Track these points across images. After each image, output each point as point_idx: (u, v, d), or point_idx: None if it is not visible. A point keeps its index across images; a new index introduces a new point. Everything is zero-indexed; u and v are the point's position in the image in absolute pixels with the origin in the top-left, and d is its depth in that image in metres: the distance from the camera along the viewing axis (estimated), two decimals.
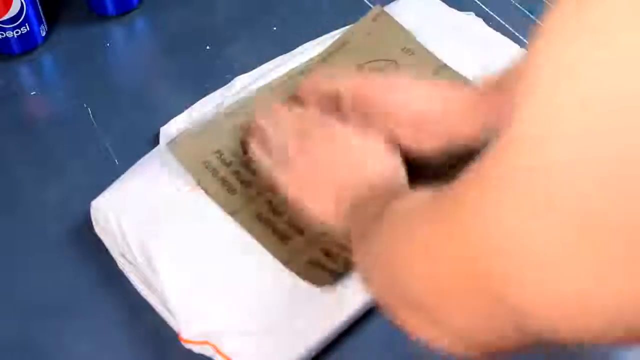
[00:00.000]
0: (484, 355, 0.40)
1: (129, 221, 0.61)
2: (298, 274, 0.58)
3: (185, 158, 0.63)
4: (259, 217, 0.61)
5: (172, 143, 0.64)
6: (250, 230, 0.60)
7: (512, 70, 0.60)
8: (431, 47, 0.72)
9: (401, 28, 0.72)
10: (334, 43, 0.72)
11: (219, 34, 0.77)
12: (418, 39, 0.72)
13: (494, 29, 0.75)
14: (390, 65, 0.70)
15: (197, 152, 0.64)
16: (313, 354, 0.57)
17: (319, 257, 0.59)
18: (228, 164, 0.63)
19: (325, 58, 0.71)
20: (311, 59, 0.71)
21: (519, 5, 0.79)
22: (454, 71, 0.70)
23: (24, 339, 0.59)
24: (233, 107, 0.67)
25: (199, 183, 0.62)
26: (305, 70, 0.70)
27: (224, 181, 0.63)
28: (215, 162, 0.63)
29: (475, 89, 0.63)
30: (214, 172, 0.63)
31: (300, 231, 0.60)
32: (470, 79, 0.69)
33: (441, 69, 0.70)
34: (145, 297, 0.60)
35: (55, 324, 0.60)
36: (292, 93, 0.68)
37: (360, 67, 0.70)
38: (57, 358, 0.58)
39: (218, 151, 0.64)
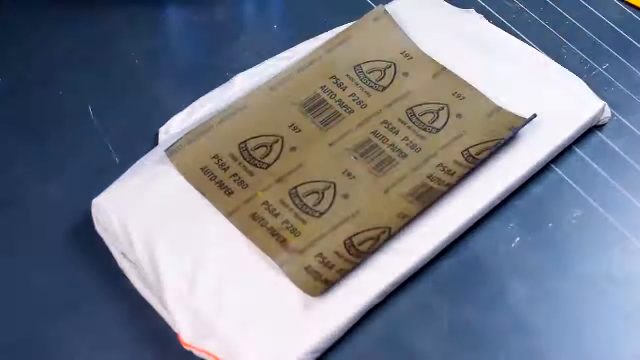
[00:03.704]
0: None
1: (130, 220, 0.61)
2: (294, 281, 0.58)
3: (184, 166, 0.64)
4: (254, 217, 0.61)
5: (170, 151, 0.64)
6: (246, 232, 0.61)
7: None
8: (430, 45, 0.72)
9: (402, 32, 0.72)
10: (333, 40, 0.72)
11: (219, 34, 0.77)
12: (417, 36, 0.72)
13: (494, 25, 0.76)
14: (390, 67, 0.70)
15: (195, 159, 0.64)
16: (315, 356, 0.57)
17: (315, 265, 0.59)
18: (226, 168, 0.64)
19: (322, 56, 0.71)
20: (308, 57, 0.71)
21: (518, 3, 0.79)
22: (454, 74, 0.70)
23: (23, 339, 0.60)
24: (230, 108, 0.67)
25: (198, 189, 0.63)
26: (304, 68, 0.70)
27: (221, 184, 0.63)
28: (213, 167, 0.64)
29: None
30: (212, 176, 0.64)
31: (297, 233, 0.61)
32: (470, 78, 0.69)
33: (441, 73, 0.70)
34: (145, 297, 0.61)
35: (55, 324, 0.60)
36: (291, 91, 0.68)
37: (358, 67, 0.70)
38: (56, 357, 0.59)
39: (216, 156, 0.65)
